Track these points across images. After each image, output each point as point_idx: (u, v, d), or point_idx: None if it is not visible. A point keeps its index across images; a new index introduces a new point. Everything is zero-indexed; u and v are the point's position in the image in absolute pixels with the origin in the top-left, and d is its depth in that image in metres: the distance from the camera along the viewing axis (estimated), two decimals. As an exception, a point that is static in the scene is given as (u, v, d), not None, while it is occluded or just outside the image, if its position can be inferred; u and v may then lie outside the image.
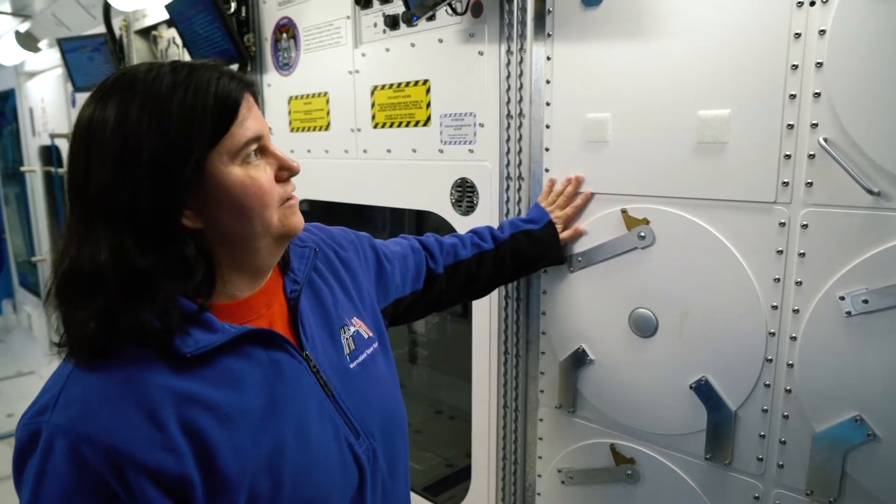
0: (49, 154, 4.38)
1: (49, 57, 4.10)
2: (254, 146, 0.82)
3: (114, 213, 0.75)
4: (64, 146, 4.18)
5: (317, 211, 2.87)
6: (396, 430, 1.03)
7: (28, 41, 4.04)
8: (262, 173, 0.83)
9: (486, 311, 1.73)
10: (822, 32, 1.11)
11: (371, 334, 1.06)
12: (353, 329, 1.02)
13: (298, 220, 0.89)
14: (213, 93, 0.78)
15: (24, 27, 3.99)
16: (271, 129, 2.32)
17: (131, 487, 0.71)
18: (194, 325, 0.80)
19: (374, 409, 0.98)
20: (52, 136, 4.10)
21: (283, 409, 0.85)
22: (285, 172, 0.87)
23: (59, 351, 0.78)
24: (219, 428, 0.78)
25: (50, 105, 4.33)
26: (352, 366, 0.98)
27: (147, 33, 3.07)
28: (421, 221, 2.89)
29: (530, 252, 1.45)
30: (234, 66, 2.37)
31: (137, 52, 3.10)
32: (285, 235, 0.88)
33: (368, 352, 1.03)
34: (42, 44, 4.08)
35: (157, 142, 0.74)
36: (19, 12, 3.84)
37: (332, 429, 0.90)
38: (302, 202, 2.34)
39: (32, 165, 4.85)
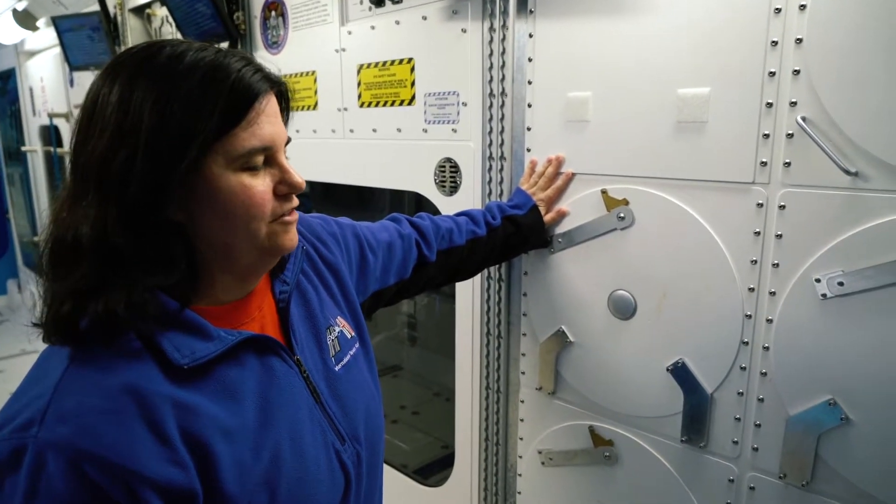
0: (48, 134, 4.39)
1: (48, 36, 4.08)
2: (259, 157, 0.77)
3: (104, 185, 0.71)
4: (62, 126, 4.19)
5: (317, 192, 2.86)
6: (377, 434, 1.01)
7: (26, 20, 4.02)
8: (259, 183, 0.77)
9: (468, 292, 1.73)
10: (803, 7, 1.08)
11: (353, 334, 1.03)
12: (337, 329, 0.99)
13: (289, 239, 0.83)
14: (228, 87, 0.73)
15: (21, 5, 3.97)
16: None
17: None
18: (183, 330, 0.75)
19: (358, 413, 0.95)
20: (51, 116, 4.11)
21: (277, 415, 0.82)
22: (284, 187, 0.80)
23: (38, 330, 0.74)
24: (222, 442, 0.74)
25: (49, 84, 4.32)
26: (337, 368, 0.95)
27: (141, 11, 3.05)
28: (420, 205, 2.87)
29: (516, 238, 1.44)
30: (224, 45, 2.35)
31: (132, 31, 3.08)
32: (270, 252, 0.82)
33: (351, 352, 1.00)
34: (40, 22, 4.06)
35: (156, 122, 0.71)
36: (16, -10, 3.82)
37: (321, 435, 0.88)
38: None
39: (33, 145, 4.86)
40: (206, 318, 0.78)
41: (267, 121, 0.77)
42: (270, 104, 0.79)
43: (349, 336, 1.01)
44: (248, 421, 0.79)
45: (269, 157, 0.79)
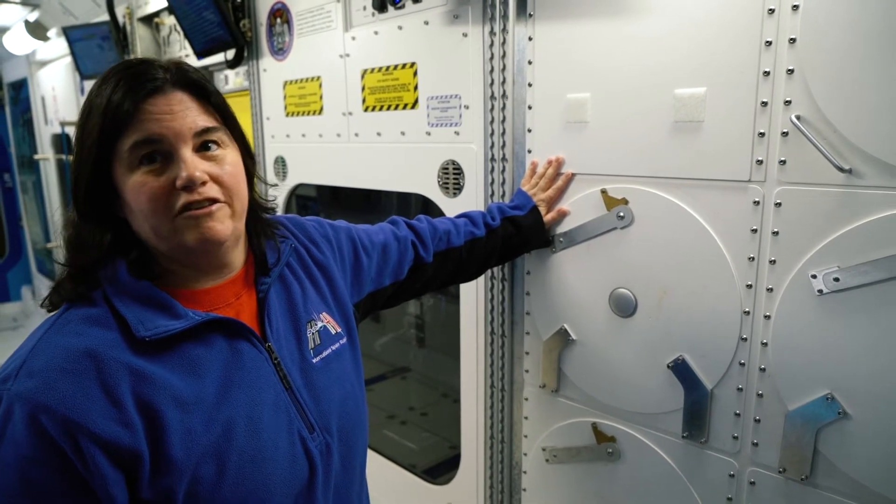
0: (60, 142, 4.46)
1: (59, 45, 4.15)
2: (144, 150, 0.81)
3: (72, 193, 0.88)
4: (74, 134, 4.24)
5: (325, 196, 2.90)
6: (354, 428, 1.02)
7: (37, 30, 4.10)
8: (152, 179, 0.81)
9: (472, 293, 1.75)
10: (796, 8, 1.09)
11: (339, 330, 1.06)
12: (320, 324, 1.02)
13: (199, 233, 0.83)
14: (109, 96, 0.80)
15: (32, 16, 4.04)
16: (268, 117, 2.34)
17: (85, 457, 0.74)
18: (152, 308, 0.83)
19: (333, 405, 0.98)
20: (63, 124, 4.17)
21: (236, 392, 0.86)
22: (180, 181, 0.81)
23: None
24: (174, 410, 0.80)
25: (60, 93, 4.39)
26: (315, 360, 0.99)
27: (150, 21, 3.10)
28: (426, 207, 2.89)
29: (517, 238, 1.47)
30: (231, 52, 2.39)
31: (141, 40, 3.13)
32: (182, 246, 0.84)
33: (334, 347, 1.03)
34: (51, 33, 4.13)
35: (79, 132, 0.84)
36: (28, 1, 3.89)
37: (286, 421, 0.91)
38: (302, 186, 2.37)
39: (45, 153, 4.94)
40: (180, 300, 0.86)
41: (156, 118, 0.81)
42: (168, 101, 0.83)
43: (334, 332, 1.04)
44: (207, 395, 0.84)
45: (167, 152, 0.82)
